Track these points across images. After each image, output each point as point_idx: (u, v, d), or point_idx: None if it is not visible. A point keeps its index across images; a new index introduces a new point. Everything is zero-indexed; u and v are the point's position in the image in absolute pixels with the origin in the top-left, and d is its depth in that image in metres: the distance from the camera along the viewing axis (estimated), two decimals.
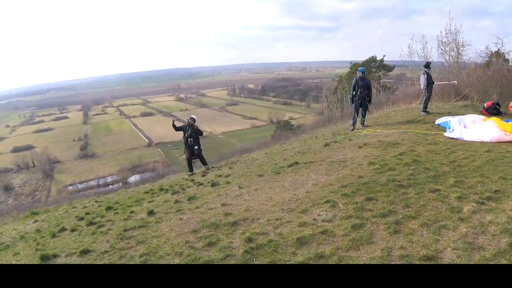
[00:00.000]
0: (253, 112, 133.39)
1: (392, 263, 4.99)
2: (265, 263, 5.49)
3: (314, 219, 6.80)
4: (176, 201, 10.04)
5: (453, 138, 12.61)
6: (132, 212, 9.97)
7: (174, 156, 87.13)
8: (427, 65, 18.53)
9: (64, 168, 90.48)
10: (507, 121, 12.97)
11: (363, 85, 16.87)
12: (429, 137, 12.95)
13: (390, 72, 47.41)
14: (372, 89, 20.50)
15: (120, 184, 56.04)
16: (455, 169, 8.62)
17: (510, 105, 16.66)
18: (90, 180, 77.39)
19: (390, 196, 7.29)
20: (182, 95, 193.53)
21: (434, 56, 27.16)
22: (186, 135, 16.35)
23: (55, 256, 7.40)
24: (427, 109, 18.10)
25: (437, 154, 10.39)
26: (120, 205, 11.50)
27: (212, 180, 12.21)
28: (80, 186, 74.78)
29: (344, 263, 5.18)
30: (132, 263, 6.30)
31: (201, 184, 12.14)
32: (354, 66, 42.22)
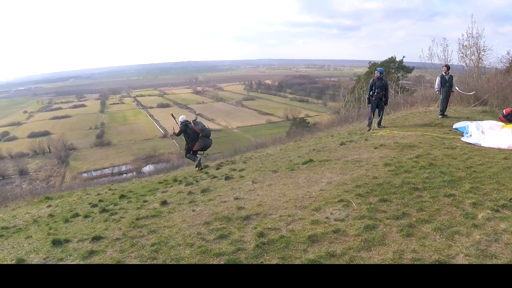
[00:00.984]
0: (269, 108, 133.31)
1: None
2: (276, 258, 5.49)
3: (327, 218, 6.78)
4: (190, 193, 10.10)
5: (471, 144, 12.43)
6: (145, 201, 10.05)
7: None
8: (446, 67, 18.29)
9: (80, 155, 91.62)
10: None
11: (381, 86, 16.70)
12: (446, 141, 12.80)
13: (409, 74, 46.88)
14: (390, 90, 20.30)
15: (134, 173, 56.56)
16: (471, 174, 8.50)
17: None
18: (105, 168, 78.25)
19: (405, 199, 7.22)
20: (199, 88, 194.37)
21: (455, 60, 26.84)
22: (191, 133, 15.45)
23: (67, 241, 7.50)
24: (445, 113, 17.87)
25: (453, 158, 10.27)
26: (134, 194, 11.60)
27: (226, 174, 12.25)
28: (94, 173, 75.67)
29: (355, 263, 5.15)
30: (142, 252, 6.34)
31: (215, 177, 12.18)
32: (373, 66, 41.87)
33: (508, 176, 8.24)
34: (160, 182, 13.34)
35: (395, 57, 46.53)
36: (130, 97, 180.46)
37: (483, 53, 25.49)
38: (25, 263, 6.72)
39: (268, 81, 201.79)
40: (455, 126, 15.33)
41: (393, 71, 44.69)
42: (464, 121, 15.37)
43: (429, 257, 5.05)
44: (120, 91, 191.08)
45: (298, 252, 5.60)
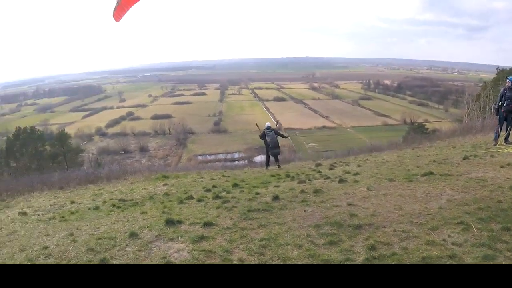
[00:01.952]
0: (386, 109, 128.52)
1: None
2: None
3: (444, 240, 6.08)
4: (302, 191, 9.88)
5: None
6: (257, 193, 10.06)
7: (301, 143, 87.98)
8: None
9: (197, 139, 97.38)
10: None
11: (511, 97, 14.72)
12: None
13: None
14: None
15: (246, 161, 58.36)
16: None
17: None
18: (219, 153, 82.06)
19: None
20: (315, 84, 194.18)
21: None
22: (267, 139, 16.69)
23: (179, 222, 7.76)
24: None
25: None
26: (246, 184, 11.72)
27: (339, 176, 11.83)
28: (209, 157, 79.74)
29: None
30: (250, 245, 6.29)
31: (328, 177, 11.83)
32: (502, 72, 37.53)
33: None
34: (272, 176, 13.32)
35: None
36: (248, 89, 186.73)
37: None
38: (138, 237, 7.03)
39: (387, 81, 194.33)
40: None
41: None
42: None
43: None
44: (239, 82, 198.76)
45: None
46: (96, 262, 6.03)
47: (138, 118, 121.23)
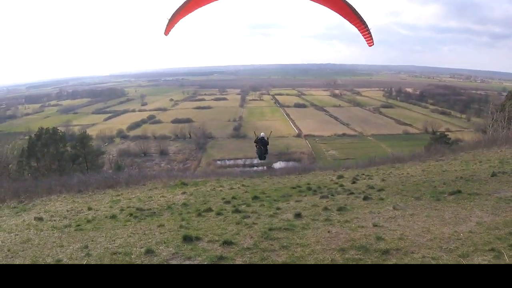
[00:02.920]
0: (408, 117, 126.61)
1: None
2: None
3: None
4: (325, 209, 9.51)
5: None
6: (278, 208, 9.74)
7: (321, 151, 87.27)
8: None
9: (216, 143, 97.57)
10: None
11: None
12: None
13: None
14: None
15: (265, 167, 58.11)
16: None
17: None
18: (238, 158, 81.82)
19: None
20: (336, 91, 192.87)
21: None
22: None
23: (197, 238, 7.49)
24: None
25: None
26: (267, 197, 11.43)
27: (363, 191, 11.45)
28: (227, 162, 79.64)
29: None
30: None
31: (352, 193, 11.44)
32: None
33: None
34: (293, 188, 13.01)
35: None
36: (269, 94, 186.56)
37: None
38: (154, 254, 6.76)
39: (409, 89, 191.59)
40: None
41: None
42: None
43: None
44: (260, 88, 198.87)
45: None
46: None
47: (159, 122, 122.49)
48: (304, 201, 10.66)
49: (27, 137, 47.03)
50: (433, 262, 5.93)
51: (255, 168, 61.52)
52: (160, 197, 12.74)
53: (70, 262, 6.64)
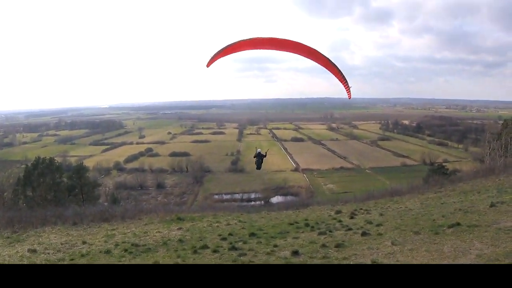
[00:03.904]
0: (405, 149, 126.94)
1: None
2: None
3: None
4: (323, 246, 9.40)
5: None
6: (275, 246, 9.61)
7: (319, 184, 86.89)
8: None
9: (214, 177, 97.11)
10: None
11: None
12: None
13: None
14: None
15: (262, 202, 57.73)
16: None
17: None
18: (235, 193, 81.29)
19: None
20: (333, 125, 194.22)
21: None
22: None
23: None
24: None
25: None
26: (264, 233, 11.30)
27: (362, 227, 11.35)
28: (225, 196, 79.08)
29: None
30: None
31: (350, 229, 11.35)
32: None
33: None
34: (290, 224, 12.89)
35: None
36: (266, 128, 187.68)
37: None
38: None
39: (406, 121, 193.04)
40: None
41: None
42: None
43: None
44: (257, 122, 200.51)
45: None
46: None
47: (156, 155, 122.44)
48: (302, 237, 10.56)
49: (23, 166, 46.91)
50: None
51: (252, 202, 61.19)
52: (156, 232, 12.58)
53: None
